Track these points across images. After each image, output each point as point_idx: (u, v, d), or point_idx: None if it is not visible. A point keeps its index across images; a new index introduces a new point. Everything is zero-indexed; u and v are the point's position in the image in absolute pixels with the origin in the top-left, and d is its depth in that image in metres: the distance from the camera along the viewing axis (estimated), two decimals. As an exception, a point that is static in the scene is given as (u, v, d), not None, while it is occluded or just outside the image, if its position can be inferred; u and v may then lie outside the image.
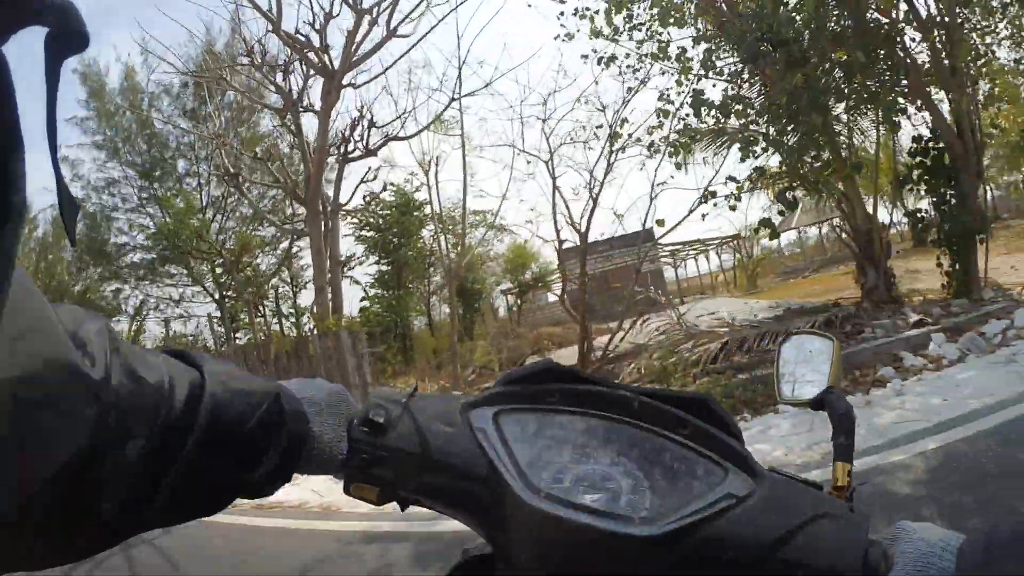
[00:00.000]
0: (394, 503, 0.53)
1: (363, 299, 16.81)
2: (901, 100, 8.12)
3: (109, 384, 0.39)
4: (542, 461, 0.51)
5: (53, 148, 0.31)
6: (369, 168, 14.04)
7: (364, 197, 11.11)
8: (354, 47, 8.37)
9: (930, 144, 8.06)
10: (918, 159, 8.18)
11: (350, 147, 9.58)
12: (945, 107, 7.87)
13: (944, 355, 5.63)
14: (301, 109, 9.07)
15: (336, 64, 8.43)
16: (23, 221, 0.26)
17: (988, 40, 8.32)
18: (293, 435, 0.51)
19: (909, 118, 8.69)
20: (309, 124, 9.80)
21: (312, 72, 8.81)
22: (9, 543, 0.37)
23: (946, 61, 7.55)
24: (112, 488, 0.40)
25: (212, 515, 0.49)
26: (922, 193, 8.40)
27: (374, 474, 0.52)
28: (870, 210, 8.46)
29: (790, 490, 0.49)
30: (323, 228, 9.22)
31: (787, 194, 8.21)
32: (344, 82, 8.66)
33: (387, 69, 10.61)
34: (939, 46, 7.57)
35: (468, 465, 0.51)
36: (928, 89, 7.84)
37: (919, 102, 7.93)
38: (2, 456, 0.31)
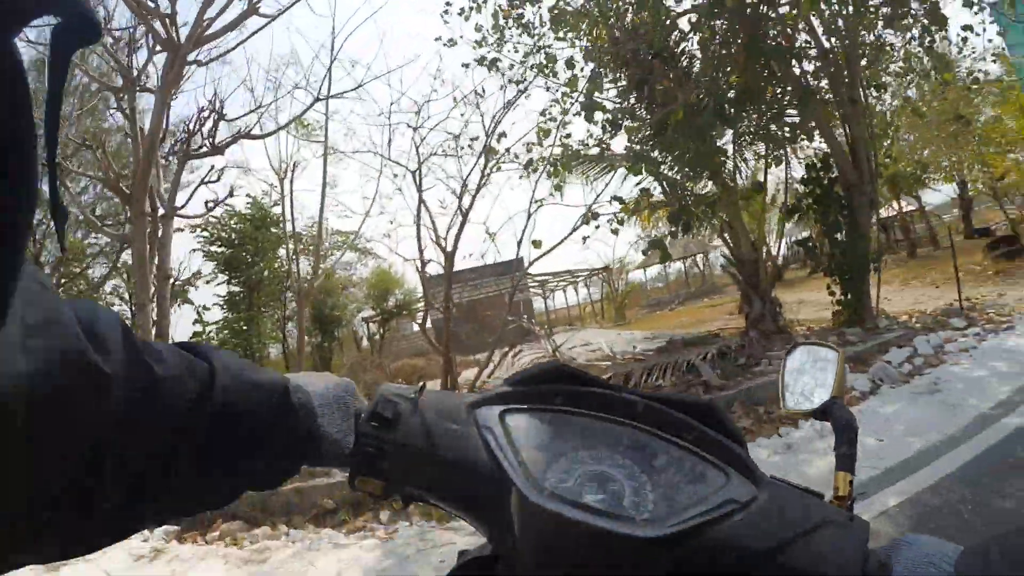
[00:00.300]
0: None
1: (196, 322, 14.52)
2: (787, 131, 7.99)
3: (122, 378, 0.39)
4: (547, 460, 0.50)
5: (52, 148, 0.31)
6: (212, 167, 12.19)
7: (207, 203, 9.39)
8: (206, 20, 6.96)
9: (822, 171, 7.92)
10: (810, 187, 8.01)
11: (195, 143, 8.22)
12: (842, 133, 7.85)
13: (854, 386, 5.09)
14: (138, 88, 7.68)
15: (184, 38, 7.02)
16: (32, 214, 0.26)
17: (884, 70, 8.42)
18: (301, 429, 0.51)
19: (797, 150, 8.63)
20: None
21: (157, 46, 7.46)
22: (19, 536, 0.36)
23: (844, 88, 7.47)
24: (123, 480, 0.40)
25: (219, 508, 0.54)
26: (814, 221, 8.24)
27: (380, 468, 0.53)
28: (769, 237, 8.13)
29: (791, 497, 0.49)
30: (151, 233, 7.46)
31: (679, 218, 7.66)
32: (190, 58, 7.28)
33: (242, 43, 9.21)
34: (837, 73, 7.46)
35: (474, 463, 0.51)
36: (827, 116, 7.79)
37: (815, 129, 7.81)
38: (15, 450, 0.32)
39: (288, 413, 0.50)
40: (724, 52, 7.47)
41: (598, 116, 7.64)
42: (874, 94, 8.49)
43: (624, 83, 8.17)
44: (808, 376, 0.73)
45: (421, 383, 0.58)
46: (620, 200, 7.73)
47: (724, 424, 0.53)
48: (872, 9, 7.61)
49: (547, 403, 0.56)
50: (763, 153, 8.41)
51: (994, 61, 15.79)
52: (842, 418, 0.65)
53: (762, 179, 8.79)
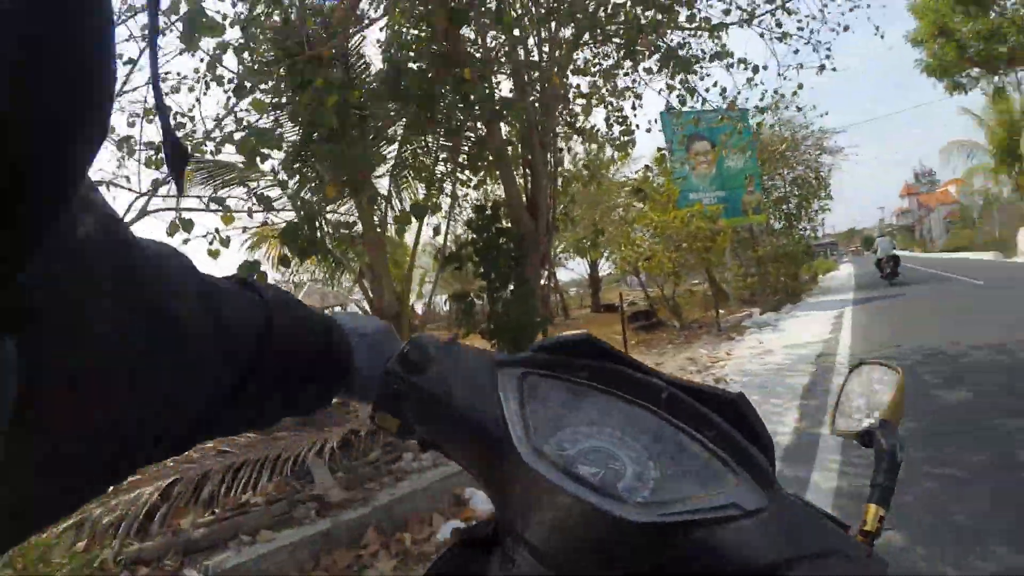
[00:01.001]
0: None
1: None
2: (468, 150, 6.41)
3: (193, 319, 0.41)
4: (553, 427, 0.50)
5: (156, 83, 0.32)
6: None
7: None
8: None
9: (491, 218, 6.37)
10: (477, 232, 6.38)
11: None
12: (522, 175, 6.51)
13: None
14: None
15: None
16: (103, 135, 0.25)
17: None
18: (339, 364, 0.57)
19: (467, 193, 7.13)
20: None
21: None
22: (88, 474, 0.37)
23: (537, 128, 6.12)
24: (191, 403, 0.43)
25: (262, 429, 0.66)
26: (475, 274, 6.59)
27: (398, 408, 0.55)
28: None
29: (805, 517, 0.47)
30: None
31: (297, 235, 5.17)
32: None
33: None
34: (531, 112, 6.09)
35: (485, 420, 0.51)
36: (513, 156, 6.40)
37: (492, 164, 6.30)
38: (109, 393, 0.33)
39: (330, 350, 0.56)
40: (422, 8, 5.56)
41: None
42: (562, 144, 7.55)
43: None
44: (863, 398, 0.68)
45: (455, 334, 0.64)
46: (221, 203, 4.93)
47: (752, 425, 0.51)
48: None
49: (572, 374, 0.55)
50: (433, 173, 6.65)
51: (648, 169, 17.93)
52: (886, 445, 0.57)
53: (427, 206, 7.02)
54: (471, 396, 0.52)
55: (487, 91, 5.46)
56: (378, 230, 6.05)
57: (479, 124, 6.16)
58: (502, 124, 6.20)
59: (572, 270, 27.20)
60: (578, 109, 7.24)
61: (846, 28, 7.37)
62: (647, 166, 10.52)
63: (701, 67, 7.20)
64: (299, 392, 0.54)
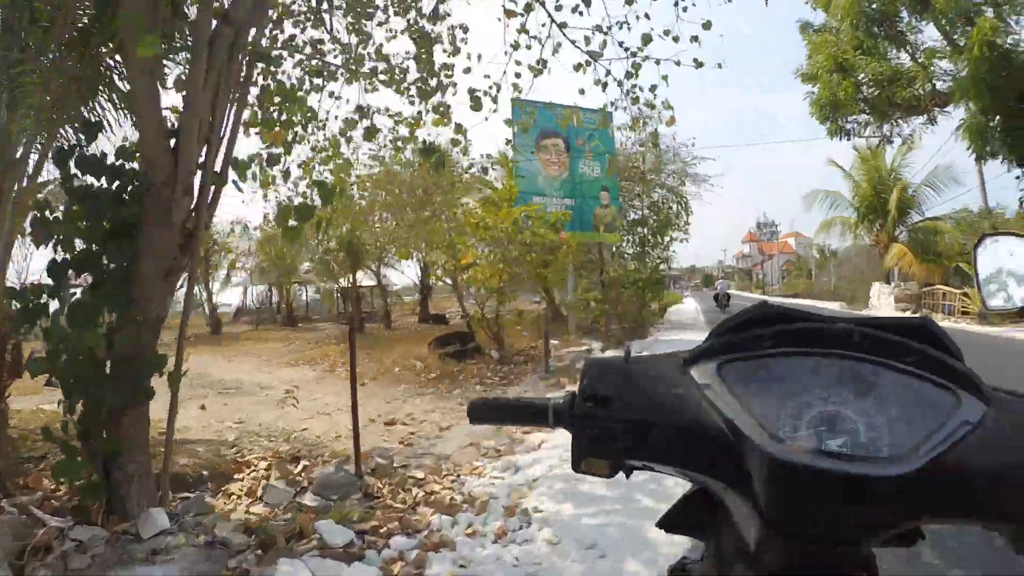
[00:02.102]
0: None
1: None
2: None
3: None
4: (776, 409, 0.49)
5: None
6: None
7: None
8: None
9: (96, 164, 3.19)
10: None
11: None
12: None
13: None
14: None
15: None
16: None
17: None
18: None
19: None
20: None
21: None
22: None
23: None
24: None
25: None
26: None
27: (604, 448, 0.52)
28: None
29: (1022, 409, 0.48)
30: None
31: None
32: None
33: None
34: None
35: (700, 424, 0.49)
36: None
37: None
38: None
39: None
40: None
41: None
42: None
43: None
44: (1007, 273, 0.67)
45: (626, 348, 0.59)
46: None
47: (942, 340, 0.52)
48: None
49: (761, 348, 0.53)
50: None
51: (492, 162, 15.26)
52: None
53: None
54: (677, 406, 0.51)
55: None
56: None
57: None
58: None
59: (403, 272, 24.17)
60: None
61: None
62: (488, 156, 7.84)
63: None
64: None
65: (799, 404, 0.49)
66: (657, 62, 5.13)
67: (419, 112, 5.82)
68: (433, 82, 5.44)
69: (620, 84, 5.32)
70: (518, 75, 5.43)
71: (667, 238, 18.24)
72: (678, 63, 5.09)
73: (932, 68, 15.53)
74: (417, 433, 6.16)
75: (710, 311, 26.21)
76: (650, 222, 17.38)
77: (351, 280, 19.90)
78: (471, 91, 5.36)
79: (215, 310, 25.01)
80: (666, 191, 17.87)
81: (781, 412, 0.48)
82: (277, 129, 4.49)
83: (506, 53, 5.33)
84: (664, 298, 21.52)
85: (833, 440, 0.46)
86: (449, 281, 10.90)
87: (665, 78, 5.28)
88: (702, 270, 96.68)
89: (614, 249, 15.95)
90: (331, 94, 5.58)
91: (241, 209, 52.60)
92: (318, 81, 5.43)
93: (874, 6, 15.05)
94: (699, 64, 5.14)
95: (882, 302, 23.22)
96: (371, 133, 5.46)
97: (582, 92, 5.44)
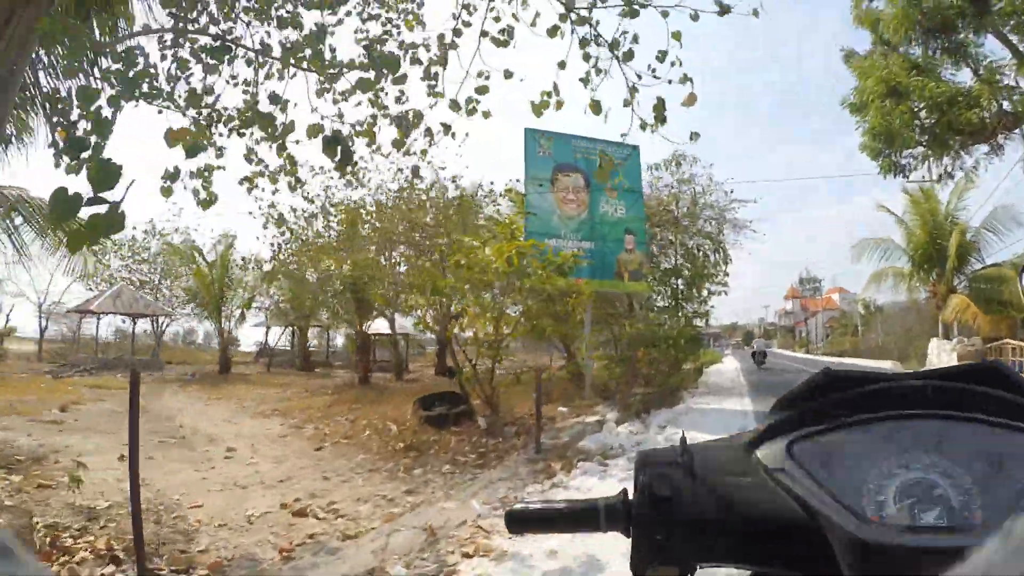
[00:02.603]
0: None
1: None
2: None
3: None
4: (856, 486, 0.46)
5: None
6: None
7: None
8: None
9: None
10: None
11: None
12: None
13: None
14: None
15: None
16: None
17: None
18: None
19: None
20: None
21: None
22: None
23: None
24: None
25: None
26: None
27: (669, 554, 0.48)
28: None
29: None
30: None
31: None
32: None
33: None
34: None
35: (778, 513, 0.46)
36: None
37: None
38: None
39: None
40: None
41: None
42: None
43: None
44: None
45: (682, 437, 0.53)
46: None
47: (1017, 384, 0.48)
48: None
49: (830, 419, 0.50)
50: None
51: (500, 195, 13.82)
52: None
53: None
54: (748, 496, 0.47)
55: None
56: None
57: None
58: None
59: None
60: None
61: None
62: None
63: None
64: None
65: (881, 476, 0.46)
66: (665, 14, 3.53)
67: (373, 115, 4.33)
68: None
69: (610, 47, 3.73)
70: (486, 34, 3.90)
71: (704, 291, 16.35)
72: (695, 16, 3.49)
73: (998, 82, 13.46)
74: (319, 536, 4.44)
75: (751, 371, 24.30)
76: (684, 272, 15.53)
77: (359, 327, 18.43)
78: (453, 103, 3.92)
79: (226, 349, 23.94)
80: (702, 237, 16.07)
81: (864, 488, 0.46)
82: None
83: (455, 16, 3.83)
84: (701, 358, 19.41)
85: (926, 513, 0.43)
86: (433, 328, 9.21)
87: (677, 36, 3.65)
88: (743, 327, 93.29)
89: (644, 301, 14.13)
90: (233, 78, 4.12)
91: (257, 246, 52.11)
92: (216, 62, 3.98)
93: (928, 16, 13.17)
94: (724, 9, 3.52)
95: (943, 360, 20.38)
96: (287, 130, 3.95)
97: (562, 66, 3.86)
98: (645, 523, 0.47)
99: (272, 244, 16.00)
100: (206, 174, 4.31)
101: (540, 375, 6.83)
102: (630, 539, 0.49)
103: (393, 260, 14.02)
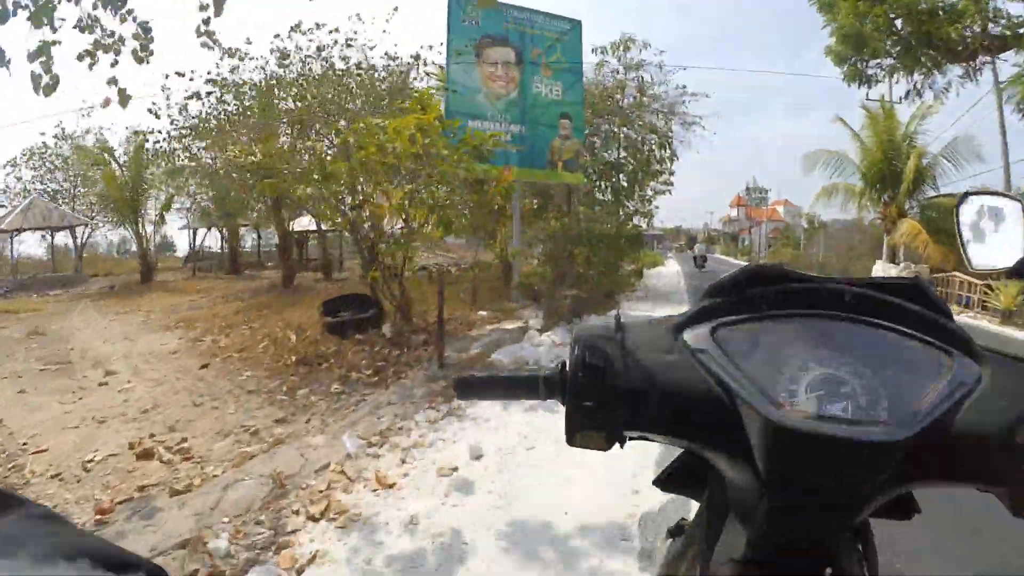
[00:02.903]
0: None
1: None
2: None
3: None
4: (773, 373, 0.48)
5: None
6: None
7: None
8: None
9: None
10: None
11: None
12: None
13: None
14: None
15: None
16: None
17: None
18: None
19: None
20: None
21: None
22: None
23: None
24: None
25: None
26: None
27: (600, 419, 0.51)
28: None
29: (1016, 371, 0.47)
30: None
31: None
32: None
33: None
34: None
35: (695, 390, 0.48)
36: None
37: None
38: None
39: None
40: None
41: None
42: None
43: None
44: (990, 231, 0.64)
45: (617, 315, 0.54)
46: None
47: (934, 302, 0.51)
48: None
49: (754, 310, 0.52)
50: None
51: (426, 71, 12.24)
52: None
53: None
54: (672, 372, 0.49)
55: None
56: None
57: None
58: None
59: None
60: None
61: None
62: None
63: None
64: None
65: (796, 367, 0.48)
66: None
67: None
68: None
69: None
70: None
71: (647, 189, 15.45)
72: None
73: (987, 1, 12.40)
74: (150, 488, 3.52)
75: (693, 275, 24.03)
76: (627, 167, 14.53)
77: (279, 224, 16.93)
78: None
79: (146, 255, 22.07)
80: (648, 131, 14.97)
81: (779, 376, 0.48)
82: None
83: None
84: (642, 259, 18.82)
85: (833, 404, 0.45)
86: (336, 222, 8.02)
87: None
88: (687, 231, 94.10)
89: (582, 196, 13.14)
90: None
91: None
92: None
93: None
94: None
95: (886, 284, 20.39)
96: None
97: None
98: (578, 391, 0.49)
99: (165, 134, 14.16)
100: (46, 54, 4.03)
101: (441, 274, 5.85)
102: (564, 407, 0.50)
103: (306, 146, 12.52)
